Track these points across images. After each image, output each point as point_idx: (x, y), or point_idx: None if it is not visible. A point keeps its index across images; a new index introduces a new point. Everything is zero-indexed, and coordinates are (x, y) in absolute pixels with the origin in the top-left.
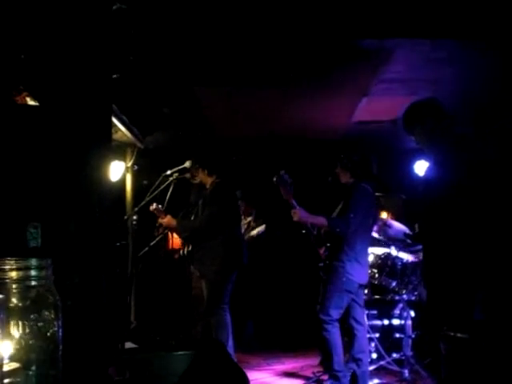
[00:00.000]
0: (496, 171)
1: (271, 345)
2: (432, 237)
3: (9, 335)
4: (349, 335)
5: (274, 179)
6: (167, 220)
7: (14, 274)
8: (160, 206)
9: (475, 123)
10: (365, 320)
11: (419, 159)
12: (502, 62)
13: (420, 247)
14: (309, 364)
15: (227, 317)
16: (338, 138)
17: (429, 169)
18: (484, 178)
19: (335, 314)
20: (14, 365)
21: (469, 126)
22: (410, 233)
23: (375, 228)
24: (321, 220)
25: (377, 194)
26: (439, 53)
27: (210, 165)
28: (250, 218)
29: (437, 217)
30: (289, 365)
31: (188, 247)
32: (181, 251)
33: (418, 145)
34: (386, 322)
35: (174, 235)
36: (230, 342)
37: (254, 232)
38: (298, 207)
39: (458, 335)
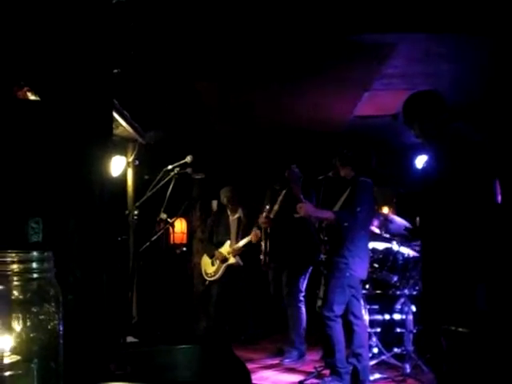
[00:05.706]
0: (492, 164)
1: (273, 339)
2: (431, 230)
3: (10, 328)
4: (348, 330)
5: (286, 173)
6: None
7: (15, 267)
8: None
9: (474, 118)
10: (363, 314)
11: (420, 154)
12: (500, 58)
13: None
14: (310, 359)
15: (303, 308)
16: (339, 131)
17: (426, 163)
18: (480, 171)
19: (338, 309)
20: (15, 357)
21: (468, 120)
22: (410, 227)
23: (377, 223)
24: (327, 214)
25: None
26: (439, 47)
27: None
28: (237, 215)
29: (435, 210)
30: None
31: (267, 241)
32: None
33: (418, 139)
34: (387, 316)
35: (176, 230)
36: (302, 331)
37: (244, 242)
38: (304, 201)
39: (460, 330)
